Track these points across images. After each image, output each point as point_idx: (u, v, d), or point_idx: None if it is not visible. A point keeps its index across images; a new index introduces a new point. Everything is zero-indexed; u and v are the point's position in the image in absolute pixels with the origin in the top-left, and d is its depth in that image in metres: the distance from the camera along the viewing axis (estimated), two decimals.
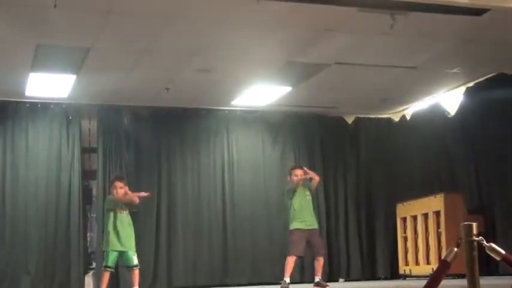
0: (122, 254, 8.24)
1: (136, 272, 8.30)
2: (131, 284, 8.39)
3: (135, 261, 8.29)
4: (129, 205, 8.43)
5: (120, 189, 8.38)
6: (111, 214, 8.31)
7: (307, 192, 8.92)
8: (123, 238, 8.21)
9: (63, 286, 10.60)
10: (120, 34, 8.05)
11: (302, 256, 8.92)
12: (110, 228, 8.25)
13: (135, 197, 8.45)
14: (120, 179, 8.75)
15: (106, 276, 8.25)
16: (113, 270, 8.37)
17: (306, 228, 8.68)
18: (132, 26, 7.79)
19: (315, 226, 8.91)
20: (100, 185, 11.05)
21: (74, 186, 10.94)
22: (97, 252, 10.97)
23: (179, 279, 11.15)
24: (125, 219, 8.33)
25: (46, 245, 10.65)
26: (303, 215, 8.71)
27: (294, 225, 8.69)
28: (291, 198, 8.78)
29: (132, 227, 8.42)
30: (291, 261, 8.55)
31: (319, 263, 8.67)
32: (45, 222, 10.70)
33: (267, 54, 9.05)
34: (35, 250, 10.56)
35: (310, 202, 8.97)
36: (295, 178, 8.84)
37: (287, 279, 8.40)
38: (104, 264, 8.34)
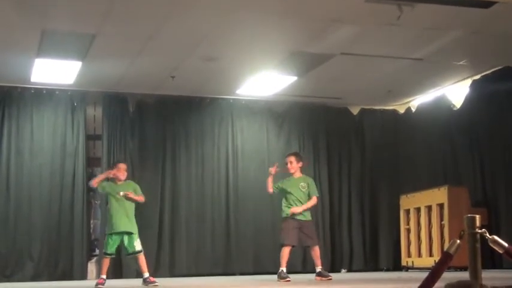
0: (122, 240, 8.22)
1: (141, 257, 8.28)
2: (140, 272, 8.38)
3: (138, 247, 8.25)
4: (135, 191, 8.43)
5: (125, 172, 8.41)
6: (111, 197, 8.32)
7: (302, 184, 8.72)
8: (121, 221, 8.20)
9: (66, 272, 10.64)
10: (125, 21, 8.04)
11: (295, 245, 8.80)
12: (112, 211, 8.26)
13: (140, 198, 8.47)
14: (123, 161, 8.73)
15: (106, 263, 8.26)
16: (112, 256, 8.37)
17: (298, 219, 8.58)
18: (138, 13, 7.78)
19: (308, 218, 8.69)
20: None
21: (78, 173, 10.96)
22: (100, 239, 11.00)
23: (182, 268, 11.17)
24: (126, 203, 8.31)
25: (50, 232, 10.69)
26: (294, 205, 8.62)
27: (286, 214, 8.61)
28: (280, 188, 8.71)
29: (133, 212, 8.38)
30: (286, 251, 8.47)
31: (315, 252, 8.58)
32: (49, 209, 10.73)
33: (272, 44, 9.03)
34: (38, 236, 10.60)
35: (303, 192, 8.70)
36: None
37: (284, 269, 8.35)
38: (103, 250, 8.33)
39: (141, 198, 8.46)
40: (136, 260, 8.36)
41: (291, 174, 8.76)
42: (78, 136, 11.08)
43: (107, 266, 8.24)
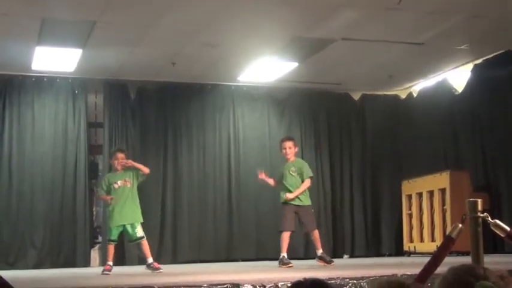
0: (124, 229, 8.26)
1: (144, 243, 8.30)
2: (144, 257, 8.42)
3: (139, 233, 8.27)
4: (136, 174, 8.39)
5: (122, 162, 8.37)
6: (109, 191, 8.31)
7: (292, 168, 8.67)
8: (122, 213, 8.22)
9: (69, 260, 10.67)
10: (125, 7, 8.01)
11: (294, 230, 8.79)
12: (110, 204, 8.28)
13: (144, 167, 8.46)
14: (121, 150, 8.73)
15: (111, 249, 8.30)
16: (116, 243, 8.41)
17: (294, 204, 8.54)
18: None
19: (305, 203, 8.64)
20: (106, 160, 11.06)
21: (80, 160, 10.98)
22: (103, 227, 11.03)
23: (184, 255, 11.20)
24: (126, 192, 8.29)
25: (52, 219, 10.71)
26: (286, 190, 8.57)
27: (282, 199, 8.62)
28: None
29: (136, 200, 8.39)
30: (285, 237, 8.45)
31: (315, 236, 8.59)
32: (52, 197, 10.74)
33: (273, 30, 9.01)
34: (41, 224, 10.62)
35: (293, 177, 8.65)
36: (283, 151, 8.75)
37: (285, 255, 8.35)
38: (107, 238, 8.39)
39: (143, 167, 8.44)
40: (139, 246, 8.40)
41: (286, 159, 8.74)
42: (79, 124, 11.09)
43: (112, 252, 8.29)
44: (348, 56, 10.28)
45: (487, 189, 10.41)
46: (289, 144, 8.73)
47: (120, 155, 8.42)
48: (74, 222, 10.79)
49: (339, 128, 12.48)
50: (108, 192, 8.34)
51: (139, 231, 8.25)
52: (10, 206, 10.53)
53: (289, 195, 8.49)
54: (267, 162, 11.91)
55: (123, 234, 8.46)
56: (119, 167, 8.36)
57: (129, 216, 8.25)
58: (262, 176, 8.77)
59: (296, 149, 8.85)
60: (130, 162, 8.42)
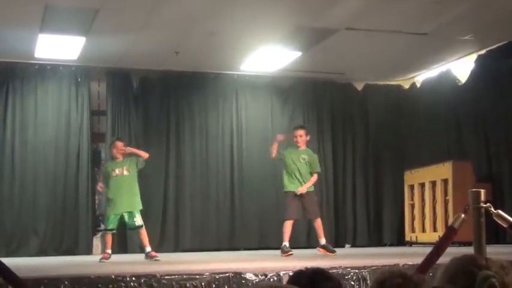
0: (122, 217, 8.29)
1: (143, 232, 8.34)
2: (142, 246, 8.46)
3: (138, 222, 8.30)
4: (135, 161, 8.42)
5: (121, 150, 8.42)
6: (108, 179, 8.36)
7: (303, 156, 8.68)
8: (120, 201, 8.25)
9: (71, 248, 10.69)
10: None
11: (297, 219, 8.82)
12: (109, 192, 8.34)
13: (143, 152, 8.52)
14: (120, 139, 8.77)
15: (109, 238, 8.38)
16: (113, 231, 8.47)
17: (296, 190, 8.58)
18: None
19: (309, 189, 8.60)
20: (108, 148, 11.06)
21: (83, 148, 10.98)
22: (105, 215, 11.05)
23: (186, 243, 11.22)
24: (124, 180, 8.32)
25: (55, 207, 10.72)
26: (294, 177, 8.62)
27: (286, 188, 8.62)
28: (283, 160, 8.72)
29: (134, 188, 8.41)
30: (288, 225, 8.49)
31: (317, 224, 8.60)
32: (54, 185, 10.75)
33: (277, 18, 8.98)
34: (43, 212, 10.63)
35: (304, 164, 8.70)
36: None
37: (287, 243, 8.36)
38: (105, 226, 8.46)
39: (142, 152, 8.48)
40: (138, 234, 8.46)
41: (297, 147, 8.75)
42: (82, 112, 11.08)
43: (110, 241, 8.37)
44: (351, 45, 10.25)
45: (490, 179, 10.41)
46: (300, 132, 8.79)
47: (119, 144, 8.47)
48: (76, 210, 10.80)
49: (342, 117, 12.47)
50: (108, 180, 8.40)
51: (138, 220, 8.28)
52: (13, 193, 10.54)
53: (302, 189, 8.47)
54: (269, 151, 11.88)
55: (122, 222, 8.49)
56: (119, 155, 8.41)
57: (127, 204, 8.29)
58: (280, 138, 8.76)
59: (308, 138, 8.87)
60: (129, 149, 8.47)
